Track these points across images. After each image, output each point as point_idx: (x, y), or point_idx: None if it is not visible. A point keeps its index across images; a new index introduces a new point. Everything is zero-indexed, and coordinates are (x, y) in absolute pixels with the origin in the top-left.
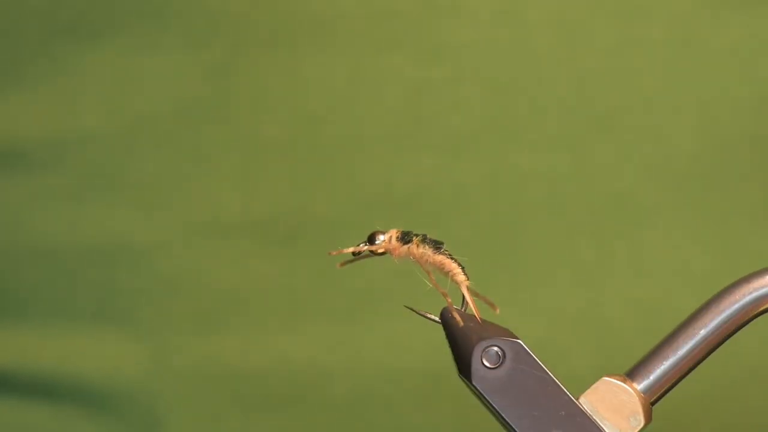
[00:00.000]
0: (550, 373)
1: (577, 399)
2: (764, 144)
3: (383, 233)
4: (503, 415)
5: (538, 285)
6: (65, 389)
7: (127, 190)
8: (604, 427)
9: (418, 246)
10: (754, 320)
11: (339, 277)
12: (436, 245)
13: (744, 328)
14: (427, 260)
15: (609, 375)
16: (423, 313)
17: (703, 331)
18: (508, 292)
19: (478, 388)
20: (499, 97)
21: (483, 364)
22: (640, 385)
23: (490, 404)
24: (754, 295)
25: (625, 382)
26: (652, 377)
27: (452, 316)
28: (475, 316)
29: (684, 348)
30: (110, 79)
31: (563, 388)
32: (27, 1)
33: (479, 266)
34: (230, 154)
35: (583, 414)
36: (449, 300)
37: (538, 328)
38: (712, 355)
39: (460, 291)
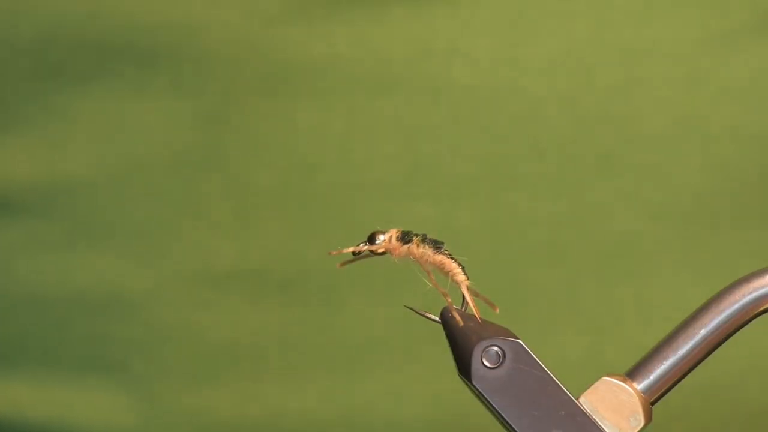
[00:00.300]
0: (550, 373)
1: (577, 399)
2: None
3: (383, 233)
4: (503, 414)
5: (539, 331)
6: None
7: (118, 238)
8: (604, 427)
9: (418, 246)
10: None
11: (335, 326)
12: (436, 245)
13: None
14: (427, 260)
15: (609, 375)
16: (423, 313)
17: (703, 330)
18: None
19: (478, 387)
20: (497, 141)
21: (483, 363)
22: (640, 385)
23: (490, 404)
24: (754, 295)
25: (625, 382)
26: (652, 377)
27: (452, 315)
28: (475, 315)
29: (684, 348)
30: (101, 125)
31: (563, 387)
32: (15, 45)
33: (480, 310)
34: (223, 201)
35: (583, 414)
36: (449, 300)
37: None
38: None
39: (460, 291)
